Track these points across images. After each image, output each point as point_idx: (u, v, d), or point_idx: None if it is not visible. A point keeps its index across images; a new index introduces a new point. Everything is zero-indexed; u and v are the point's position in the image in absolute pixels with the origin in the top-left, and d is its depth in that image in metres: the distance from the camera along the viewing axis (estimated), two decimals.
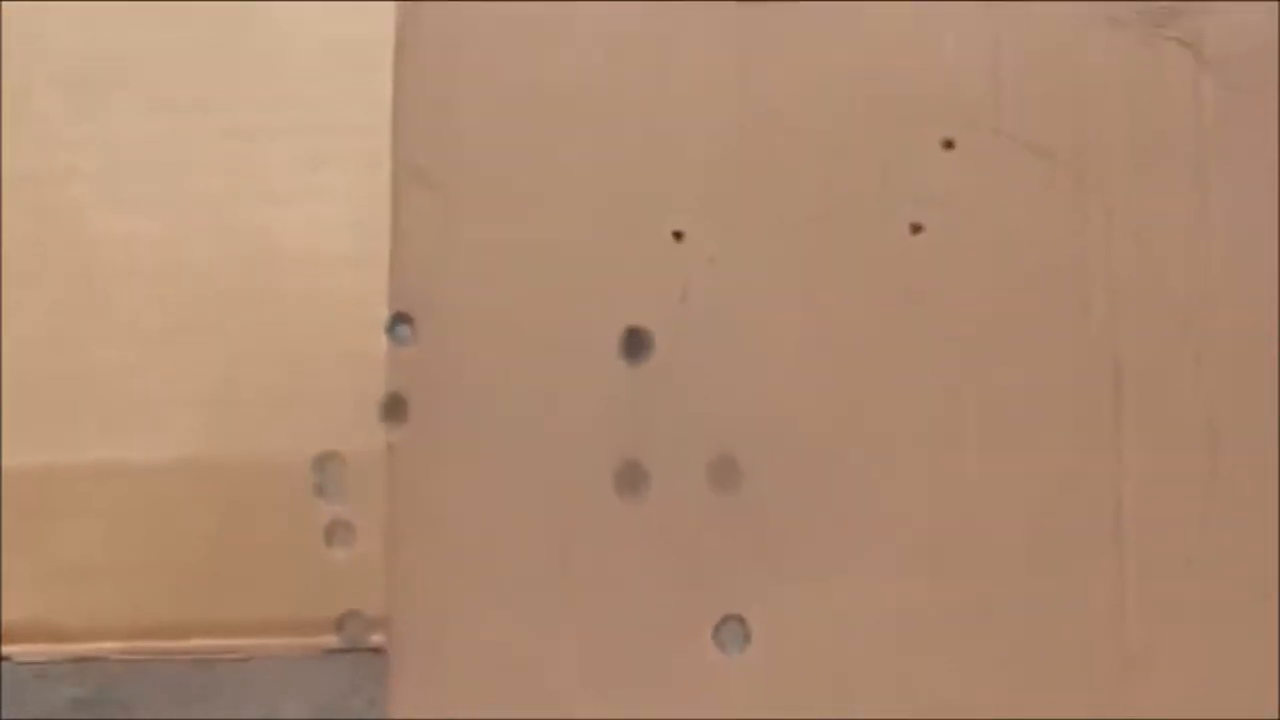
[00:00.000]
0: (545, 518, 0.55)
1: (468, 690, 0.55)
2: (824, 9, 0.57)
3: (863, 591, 0.54)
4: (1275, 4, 0.56)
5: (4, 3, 0.58)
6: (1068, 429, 0.55)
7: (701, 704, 0.54)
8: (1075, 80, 0.56)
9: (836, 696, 0.54)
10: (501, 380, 0.56)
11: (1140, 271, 0.55)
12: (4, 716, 0.56)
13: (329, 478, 0.57)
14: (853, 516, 0.55)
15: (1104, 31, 0.56)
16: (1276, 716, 0.52)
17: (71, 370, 0.58)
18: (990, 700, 0.53)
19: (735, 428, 0.55)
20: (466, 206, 0.57)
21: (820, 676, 0.54)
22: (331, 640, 0.56)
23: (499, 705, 0.55)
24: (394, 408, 0.56)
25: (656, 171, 0.57)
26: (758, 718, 0.54)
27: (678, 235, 0.57)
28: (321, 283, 0.58)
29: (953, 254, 0.56)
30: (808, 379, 0.56)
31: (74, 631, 0.57)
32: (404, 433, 0.56)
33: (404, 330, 0.57)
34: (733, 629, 0.54)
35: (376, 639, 0.55)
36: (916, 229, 0.56)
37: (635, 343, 0.56)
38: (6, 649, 0.57)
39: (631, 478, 0.55)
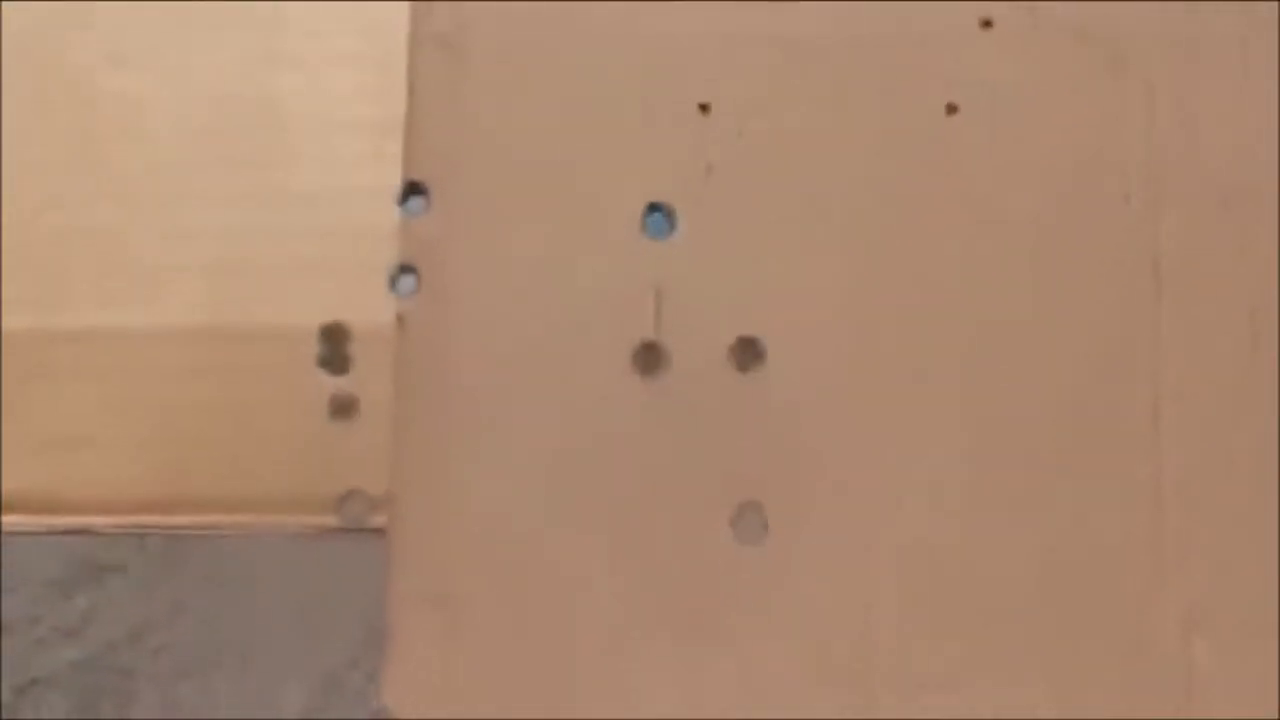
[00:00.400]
0: (559, 397, 0.54)
1: (470, 573, 0.53)
2: None
3: (887, 480, 0.52)
4: None
5: (4, 2, 0.56)
6: (1105, 322, 0.53)
7: (719, 591, 0.52)
8: None
9: (857, 593, 0.52)
10: (517, 254, 0.54)
11: (1181, 159, 0.54)
12: None
13: (334, 349, 0.55)
14: (879, 401, 0.53)
15: None
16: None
17: (69, 232, 0.56)
18: (1022, 596, 0.52)
19: (759, 308, 0.54)
20: (486, 74, 0.55)
21: (840, 569, 0.52)
22: (331, 520, 0.54)
23: (504, 590, 0.53)
24: (404, 279, 0.55)
25: (682, 41, 0.55)
26: (777, 608, 0.52)
27: (704, 107, 0.55)
28: (332, 149, 0.56)
29: (989, 136, 0.54)
30: (836, 259, 0.54)
31: (65, 503, 0.55)
32: (414, 305, 0.54)
33: (417, 199, 0.55)
34: (751, 518, 0.52)
35: (378, 520, 0.53)
36: (952, 109, 0.54)
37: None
38: None
39: (650, 357, 0.54)
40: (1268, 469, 0.52)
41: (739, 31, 0.55)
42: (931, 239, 0.54)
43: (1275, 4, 0.54)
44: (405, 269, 0.55)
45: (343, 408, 0.55)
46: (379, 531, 0.54)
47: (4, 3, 0.57)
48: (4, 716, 0.54)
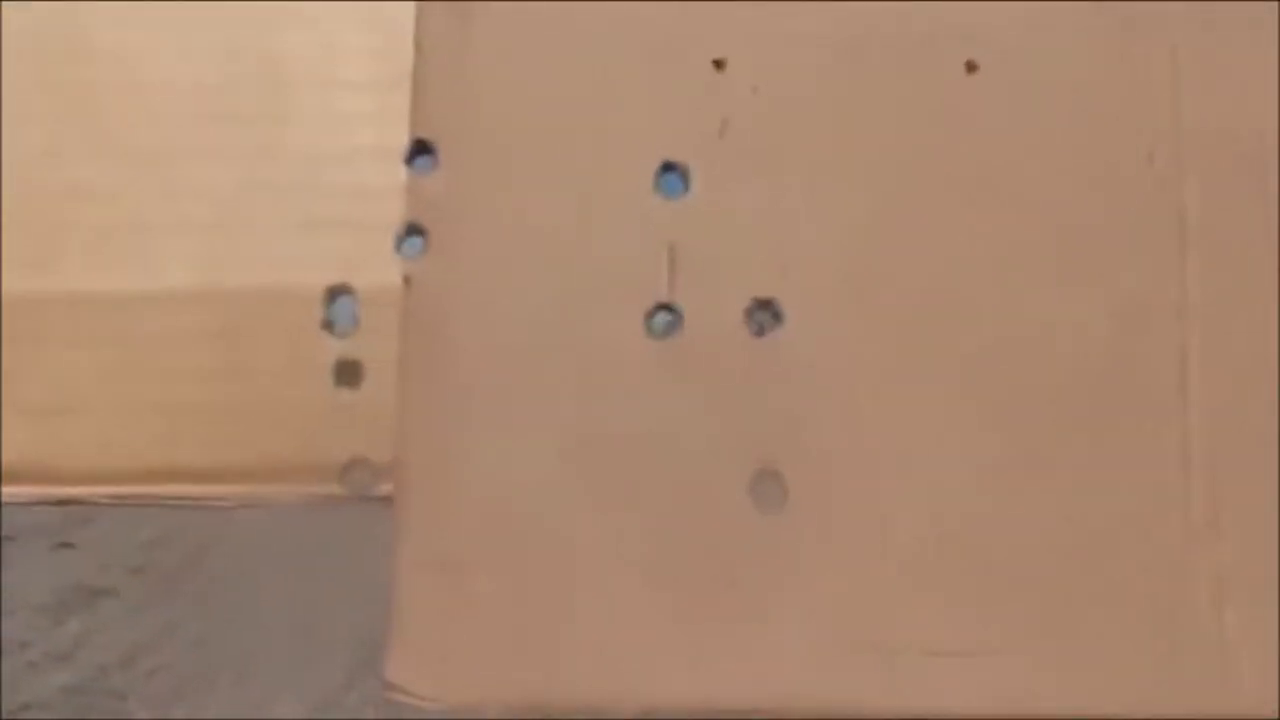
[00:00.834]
0: (570, 362, 0.52)
1: (478, 541, 0.52)
2: None
3: (908, 446, 0.51)
4: None
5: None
6: (1130, 284, 0.52)
7: (735, 560, 0.51)
8: None
9: (878, 561, 0.51)
10: (527, 214, 0.53)
11: (1205, 118, 0.53)
12: None
13: (339, 312, 0.53)
14: (899, 365, 0.52)
15: None
16: (1276, 716, 0.50)
17: (67, 192, 0.54)
18: (1048, 564, 0.50)
19: (775, 269, 0.52)
20: (494, 30, 0.54)
21: (861, 537, 0.51)
22: (334, 488, 0.53)
23: (512, 559, 0.51)
24: (411, 239, 0.53)
25: None
26: (796, 577, 0.51)
27: (718, 64, 0.54)
28: (336, 107, 0.54)
29: (1009, 95, 0.53)
30: (853, 219, 0.53)
31: (61, 473, 0.54)
32: (421, 266, 0.53)
33: (425, 158, 0.54)
34: (769, 485, 0.51)
35: (384, 488, 0.52)
36: (972, 67, 0.53)
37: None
38: None
39: (663, 320, 0.52)
40: None
41: None
42: (951, 199, 0.52)
43: None
44: (412, 229, 0.53)
45: (347, 372, 0.53)
46: (384, 500, 0.52)
47: None
48: None
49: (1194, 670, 0.50)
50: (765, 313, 0.52)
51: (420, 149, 0.54)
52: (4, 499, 0.54)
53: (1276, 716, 0.50)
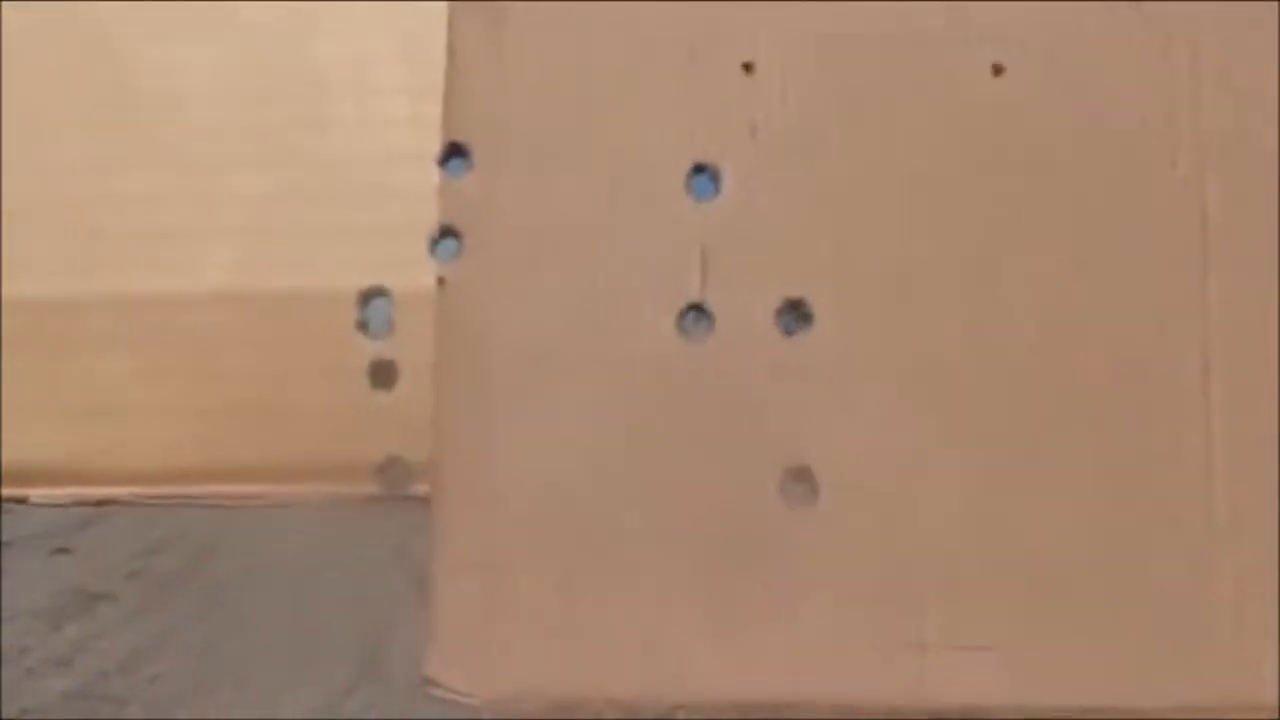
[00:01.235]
0: (603, 361, 0.53)
1: (514, 540, 0.52)
2: None
3: (937, 445, 0.52)
4: None
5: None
6: (1153, 287, 0.52)
7: (767, 557, 0.52)
8: None
9: (907, 559, 0.51)
10: (560, 216, 0.54)
11: (1228, 123, 0.53)
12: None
13: (374, 314, 0.54)
14: (927, 365, 0.52)
15: None
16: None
17: (105, 197, 0.55)
18: (1073, 562, 0.51)
19: (806, 269, 0.53)
20: (527, 33, 0.55)
21: (890, 534, 0.52)
22: (371, 488, 0.53)
23: (547, 558, 0.52)
24: (445, 241, 0.54)
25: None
26: (827, 574, 0.52)
27: (748, 67, 0.54)
28: (371, 111, 0.55)
29: (1035, 98, 0.54)
30: (882, 219, 0.53)
31: (99, 474, 0.54)
32: (455, 268, 0.54)
33: (458, 161, 0.54)
34: (800, 483, 0.52)
35: (420, 488, 0.53)
36: (998, 70, 0.54)
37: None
38: (29, 492, 0.54)
39: (695, 320, 0.53)
40: None
41: None
42: (977, 202, 0.53)
43: None
44: (446, 232, 0.54)
45: (382, 373, 0.54)
46: (420, 499, 0.53)
47: None
48: None
49: (1215, 667, 0.50)
50: (795, 313, 0.53)
51: (454, 152, 0.54)
52: (40, 501, 0.54)
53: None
